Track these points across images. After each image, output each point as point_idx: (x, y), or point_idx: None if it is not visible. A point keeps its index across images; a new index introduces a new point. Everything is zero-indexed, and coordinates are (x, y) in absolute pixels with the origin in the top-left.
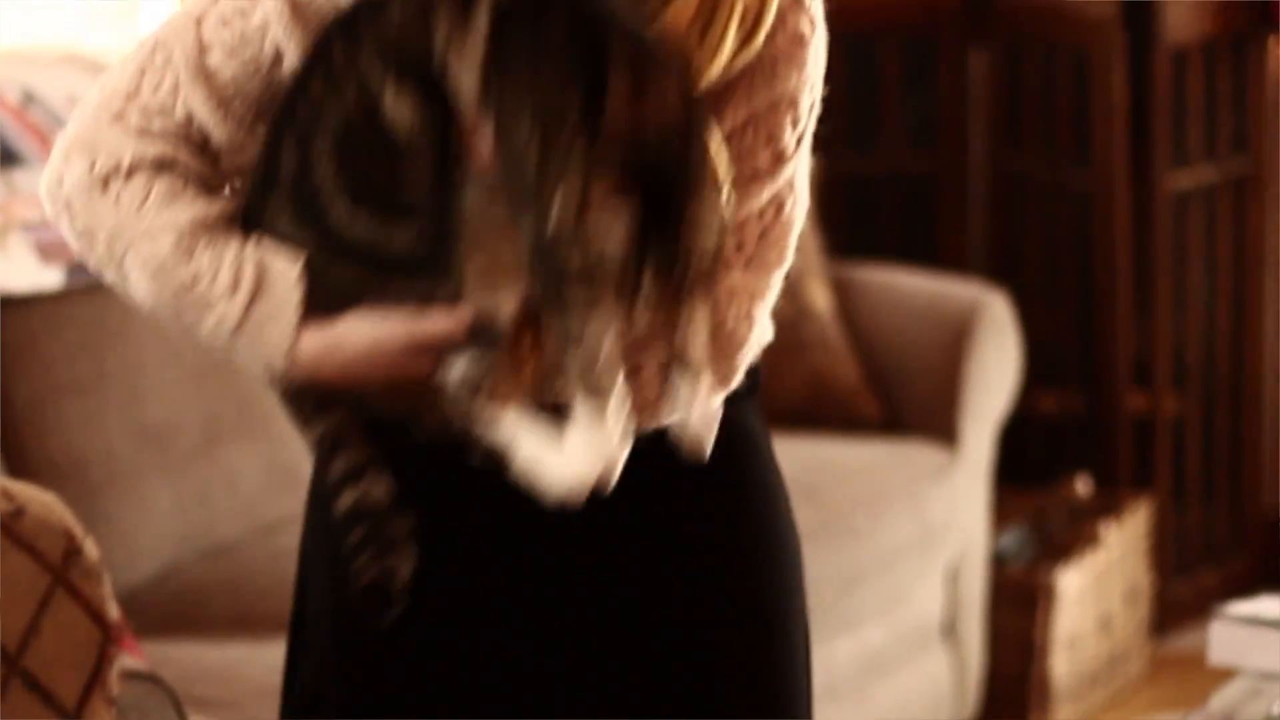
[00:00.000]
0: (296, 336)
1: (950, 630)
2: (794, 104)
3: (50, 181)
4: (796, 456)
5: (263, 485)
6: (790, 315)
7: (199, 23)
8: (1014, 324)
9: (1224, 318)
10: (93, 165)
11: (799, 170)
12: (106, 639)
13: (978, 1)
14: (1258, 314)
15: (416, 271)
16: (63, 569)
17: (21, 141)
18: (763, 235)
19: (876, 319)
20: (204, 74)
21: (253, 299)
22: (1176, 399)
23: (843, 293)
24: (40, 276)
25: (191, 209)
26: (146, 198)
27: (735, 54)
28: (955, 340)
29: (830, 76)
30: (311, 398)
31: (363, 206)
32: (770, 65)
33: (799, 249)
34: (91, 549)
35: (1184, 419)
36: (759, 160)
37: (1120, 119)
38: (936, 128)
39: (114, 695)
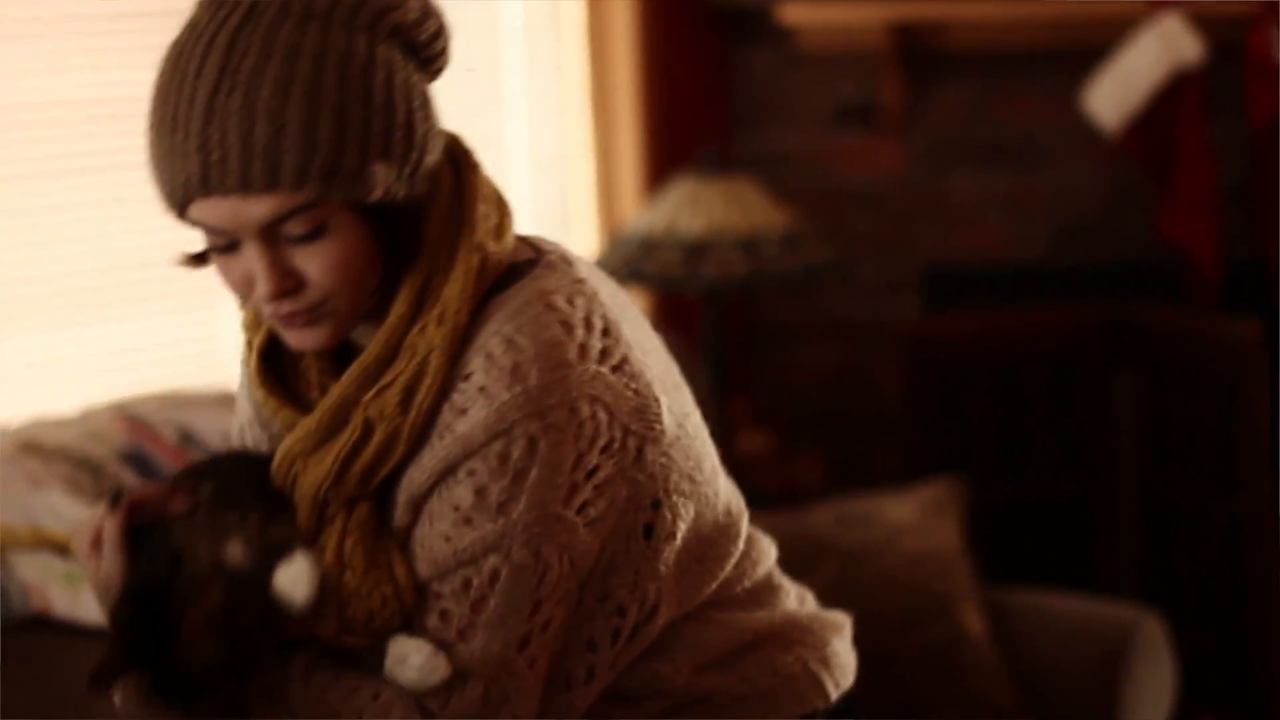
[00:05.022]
0: None
1: None
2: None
3: None
4: None
5: None
6: (946, 639)
7: None
8: (1169, 645)
9: None
10: None
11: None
12: None
13: (1121, 327)
14: None
15: None
16: None
17: None
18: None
19: (1031, 642)
20: None
21: None
22: None
23: (997, 617)
24: None
25: None
26: None
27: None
28: (1110, 662)
29: (977, 404)
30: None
31: None
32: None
33: (952, 573)
34: None
35: None
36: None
37: (1266, 441)
38: (1084, 452)
39: None
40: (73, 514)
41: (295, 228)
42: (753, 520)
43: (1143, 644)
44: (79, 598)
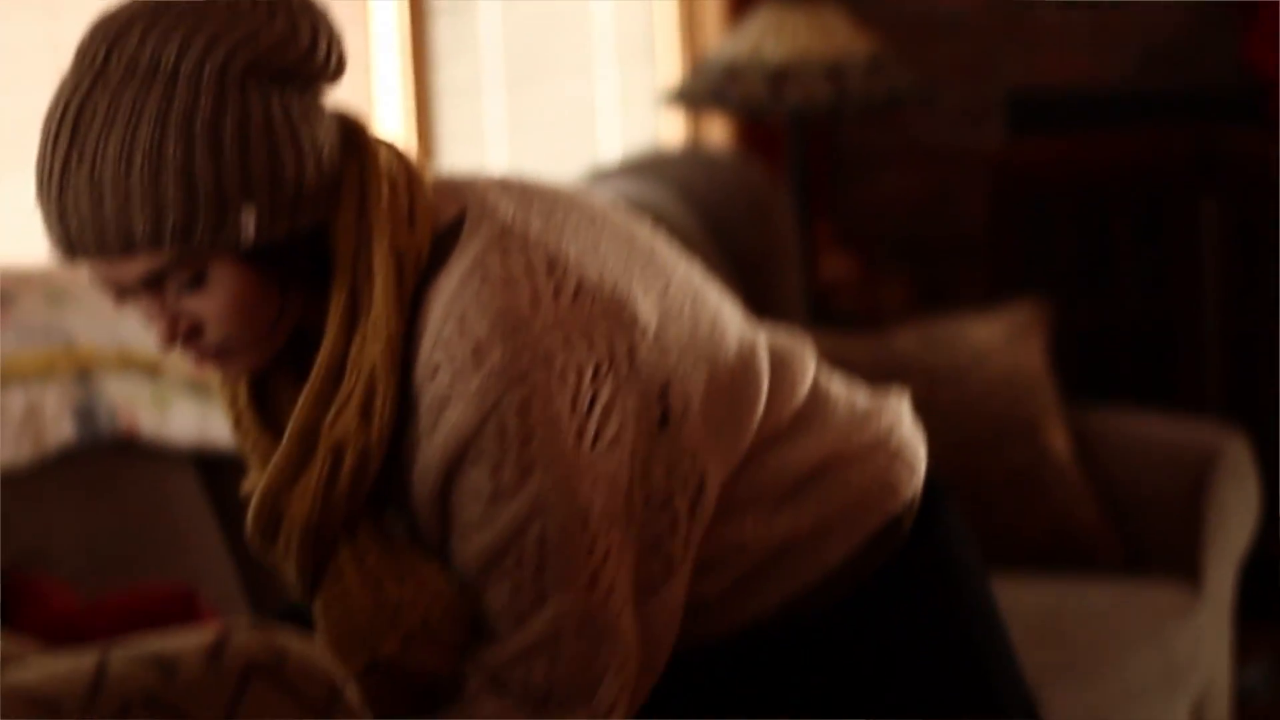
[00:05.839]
0: None
1: None
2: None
3: None
4: (1038, 598)
5: None
6: (1030, 460)
7: None
8: (1254, 464)
9: None
10: None
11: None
12: None
13: (1207, 151)
14: None
15: None
16: (326, 712)
17: None
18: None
19: (1116, 462)
20: None
21: None
22: None
23: (1081, 437)
24: None
25: None
26: None
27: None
28: (1195, 482)
29: (1061, 229)
30: None
31: None
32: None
33: (1037, 395)
34: (353, 693)
35: None
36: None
37: None
38: (1169, 275)
39: None
40: None
41: (175, 280)
42: (834, 345)
43: (1227, 464)
44: (166, 418)
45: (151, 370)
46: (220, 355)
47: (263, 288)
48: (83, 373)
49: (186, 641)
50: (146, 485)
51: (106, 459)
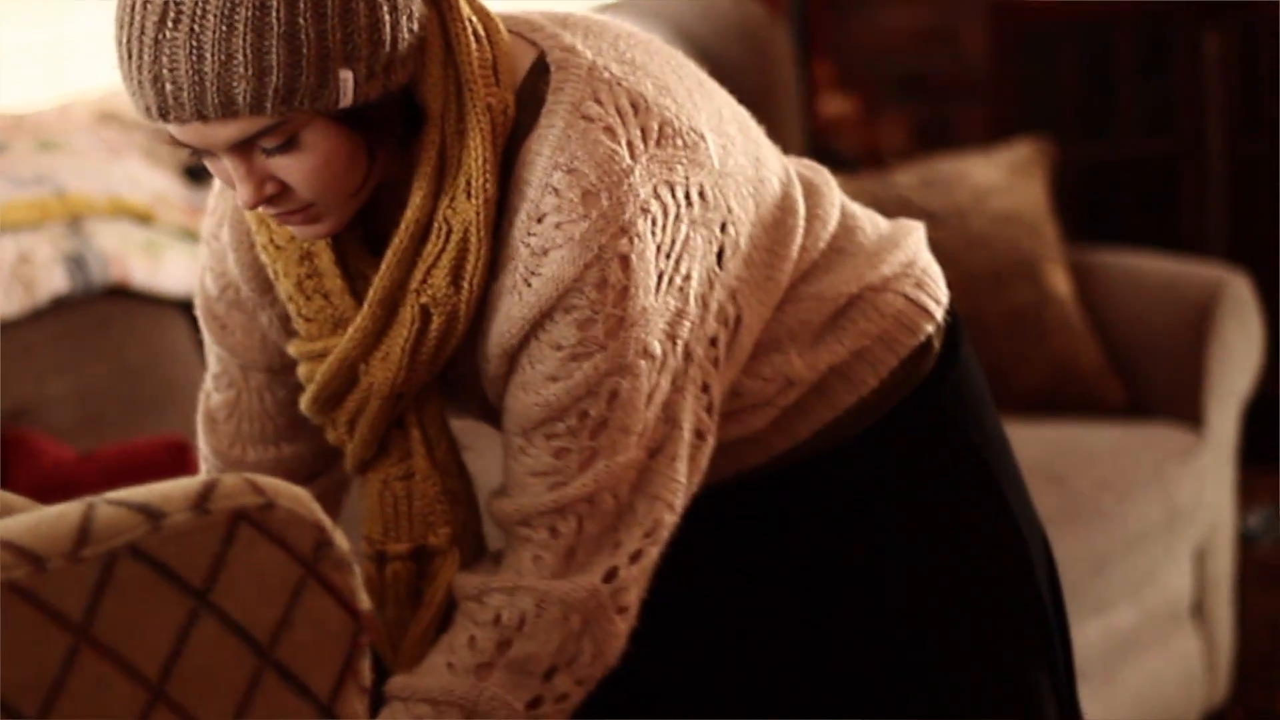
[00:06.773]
0: None
1: (1199, 611)
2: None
3: None
4: (1041, 441)
5: None
6: (1032, 301)
7: None
8: (1257, 304)
9: None
10: None
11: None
12: (358, 629)
13: None
14: None
15: None
16: (313, 561)
17: None
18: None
19: (1118, 302)
20: None
21: None
22: None
23: (1083, 277)
24: None
25: None
26: None
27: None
28: (1198, 321)
29: (1064, 63)
30: None
31: None
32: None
33: (1039, 234)
34: (341, 541)
35: None
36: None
37: None
38: (1172, 112)
39: (367, 684)
40: (151, 183)
41: (267, 142)
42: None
43: (1230, 303)
44: (158, 266)
45: (143, 218)
46: (307, 215)
47: (353, 149)
48: (74, 221)
49: (173, 489)
50: (139, 335)
51: (98, 309)
